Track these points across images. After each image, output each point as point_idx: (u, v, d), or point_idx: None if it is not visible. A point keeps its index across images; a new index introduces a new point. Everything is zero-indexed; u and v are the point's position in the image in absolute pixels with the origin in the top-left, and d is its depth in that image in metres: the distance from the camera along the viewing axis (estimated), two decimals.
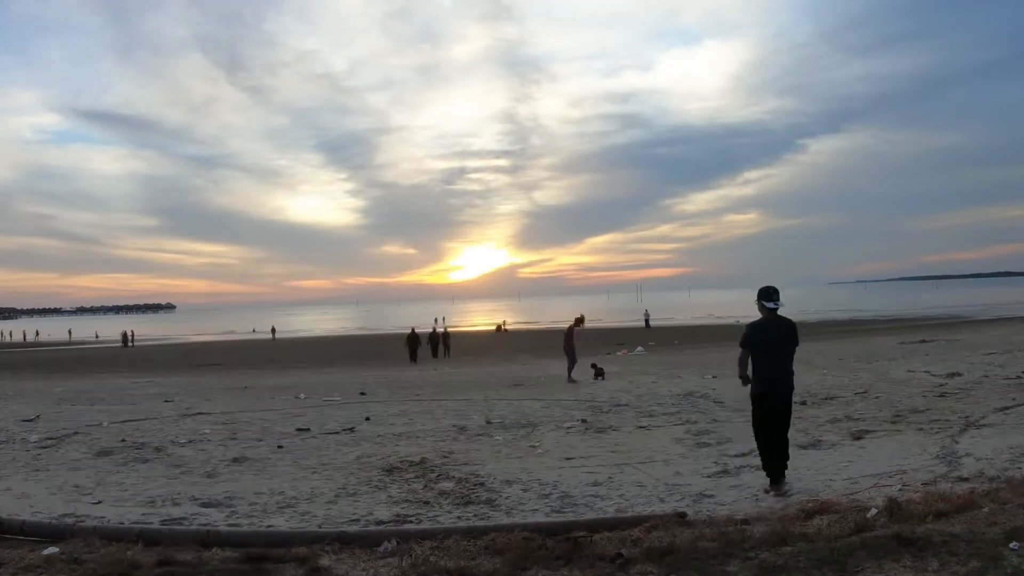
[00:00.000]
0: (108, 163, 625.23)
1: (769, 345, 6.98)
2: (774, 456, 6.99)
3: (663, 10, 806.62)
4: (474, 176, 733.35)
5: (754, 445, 7.32)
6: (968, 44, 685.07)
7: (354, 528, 6.06)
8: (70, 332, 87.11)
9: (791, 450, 7.23)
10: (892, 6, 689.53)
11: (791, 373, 7.05)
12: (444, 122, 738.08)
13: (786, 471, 7.03)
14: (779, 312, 7.03)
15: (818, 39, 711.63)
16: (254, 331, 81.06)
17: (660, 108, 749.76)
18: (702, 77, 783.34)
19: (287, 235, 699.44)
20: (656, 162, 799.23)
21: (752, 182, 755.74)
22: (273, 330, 67.68)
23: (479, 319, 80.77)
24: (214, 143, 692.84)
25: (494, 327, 67.78)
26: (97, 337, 76.81)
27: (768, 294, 6.98)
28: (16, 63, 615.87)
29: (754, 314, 7.17)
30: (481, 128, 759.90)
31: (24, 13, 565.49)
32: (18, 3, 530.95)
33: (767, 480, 7.02)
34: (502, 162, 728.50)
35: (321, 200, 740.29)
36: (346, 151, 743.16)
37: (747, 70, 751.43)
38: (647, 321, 58.28)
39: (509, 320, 72.67)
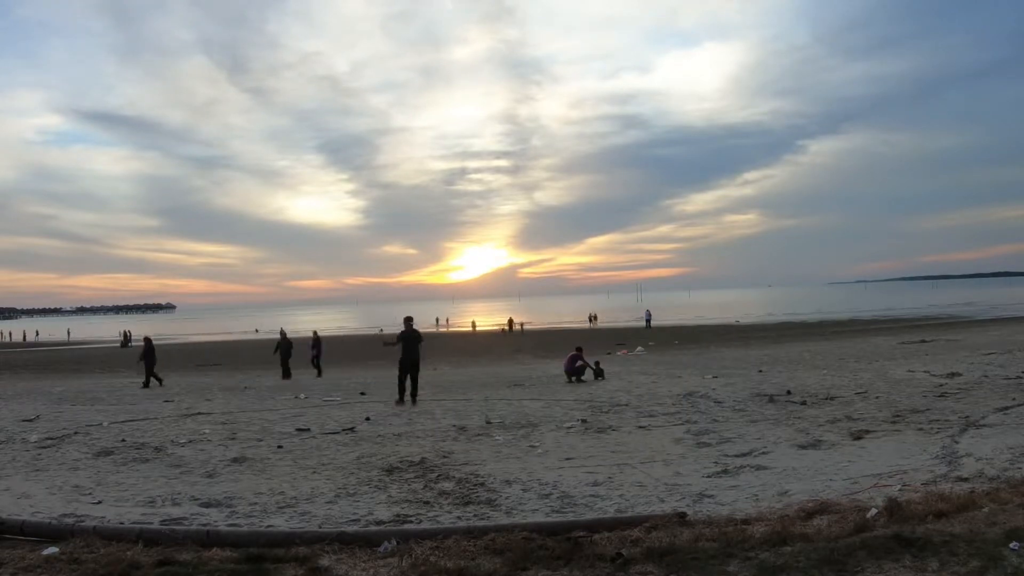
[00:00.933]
0: (110, 164, 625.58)
1: (406, 341, 15.27)
2: (406, 388, 15.02)
3: (662, 12, 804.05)
4: (475, 177, 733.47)
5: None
6: (966, 45, 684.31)
7: (354, 528, 6.05)
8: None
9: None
10: (890, 8, 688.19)
11: (416, 353, 15.17)
12: (445, 123, 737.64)
13: (416, 395, 15.04)
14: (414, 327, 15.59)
15: (816, 41, 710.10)
16: (257, 331, 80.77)
17: (660, 109, 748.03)
18: (701, 78, 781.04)
19: (288, 235, 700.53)
20: (656, 163, 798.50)
21: (752, 183, 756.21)
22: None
23: (479, 319, 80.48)
24: (216, 144, 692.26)
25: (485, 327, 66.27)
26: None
27: (406, 321, 15.64)
28: (20, 65, 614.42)
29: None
30: (482, 129, 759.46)
31: (28, 15, 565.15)
32: (22, 6, 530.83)
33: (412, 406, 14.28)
34: (503, 163, 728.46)
35: (322, 201, 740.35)
36: (347, 152, 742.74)
37: (746, 72, 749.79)
38: (648, 321, 58.27)
39: (513, 319, 71.58)
